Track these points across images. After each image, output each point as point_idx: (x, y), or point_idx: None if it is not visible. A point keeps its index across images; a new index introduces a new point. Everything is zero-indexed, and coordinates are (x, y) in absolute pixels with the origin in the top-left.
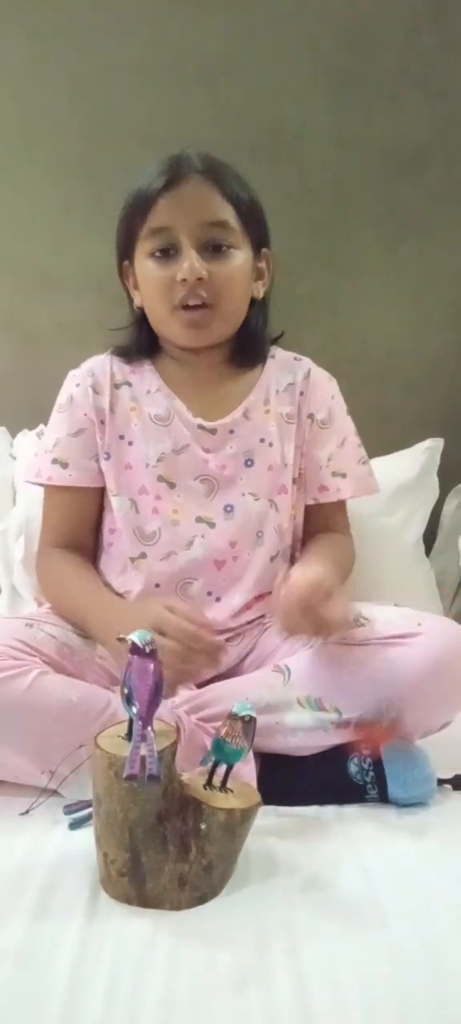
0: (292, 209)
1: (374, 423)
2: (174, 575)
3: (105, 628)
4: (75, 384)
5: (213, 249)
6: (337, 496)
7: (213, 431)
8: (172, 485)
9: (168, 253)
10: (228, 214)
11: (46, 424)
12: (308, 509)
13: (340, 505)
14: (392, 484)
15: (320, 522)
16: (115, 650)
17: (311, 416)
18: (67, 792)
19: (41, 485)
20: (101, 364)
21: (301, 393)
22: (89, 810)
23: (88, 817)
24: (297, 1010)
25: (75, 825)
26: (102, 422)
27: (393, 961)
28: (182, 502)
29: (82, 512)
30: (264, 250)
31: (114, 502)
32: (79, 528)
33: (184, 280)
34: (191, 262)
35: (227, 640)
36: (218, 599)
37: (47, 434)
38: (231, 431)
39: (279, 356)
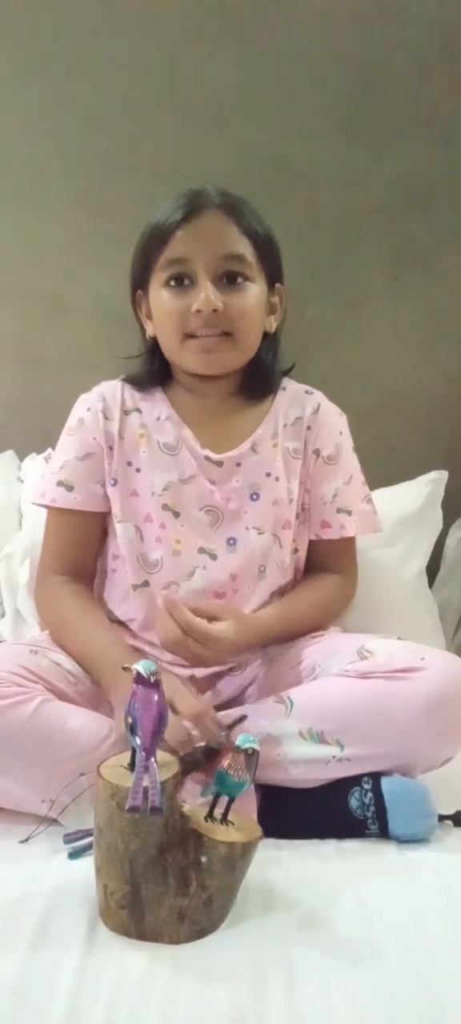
0: (300, 244)
1: (378, 456)
2: None
3: (110, 675)
4: (86, 408)
5: (228, 281)
6: (340, 533)
7: (219, 463)
8: (177, 514)
9: (183, 283)
10: (245, 247)
11: (54, 448)
12: (311, 545)
13: (343, 543)
14: (396, 515)
15: (320, 559)
16: (115, 694)
17: (317, 452)
18: (67, 821)
19: (45, 507)
20: (112, 390)
21: (308, 428)
22: (89, 839)
23: (88, 847)
24: None
25: (74, 855)
26: (111, 448)
27: (389, 1000)
28: (186, 532)
29: (84, 537)
30: (277, 285)
31: (119, 528)
32: (80, 553)
33: (199, 311)
34: (207, 294)
35: (228, 670)
36: None
37: (55, 456)
38: (238, 464)
39: (290, 389)
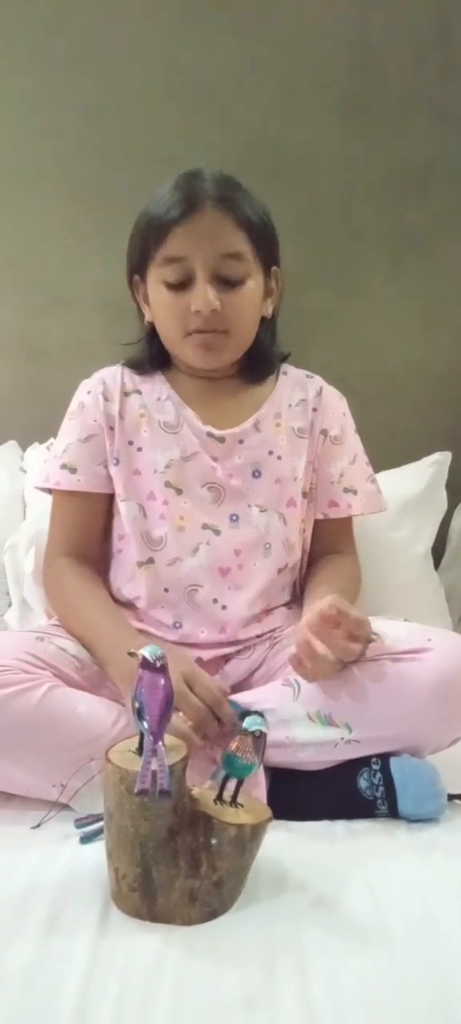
0: (299, 230)
1: (381, 440)
2: (180, 581)
3: (114, 657)
4: (86, 392)
5: (226, 279)
6: (348, 512)
7: (221, 439)
8: (179, 491)
9: (182, 282)
10: (241, 243)
11: (56, 438)
12: (316, 524)
13: (348, 523)
14: (400, 498)
15: (327, 539)
16: (121, 678)
17: (324, 432)
18: (78, 805)
19: (49, 491)
20: (112, 374)
21: (314, 409)
22: (100, 824)
23: (99, 831)
24: None
25: (86, 839)
26: (111, 428)
27: (398, 982)
28: (189, 509)
29: (90, 519)
30: (274, 268)
31: (122, 507)
32: (86, 536)
33: (198, 311)
34: (205, 296)
35: (236, 653)
36: (224, 607)
37: (57, 440)
38: (240, 441)
39: (291, 373)
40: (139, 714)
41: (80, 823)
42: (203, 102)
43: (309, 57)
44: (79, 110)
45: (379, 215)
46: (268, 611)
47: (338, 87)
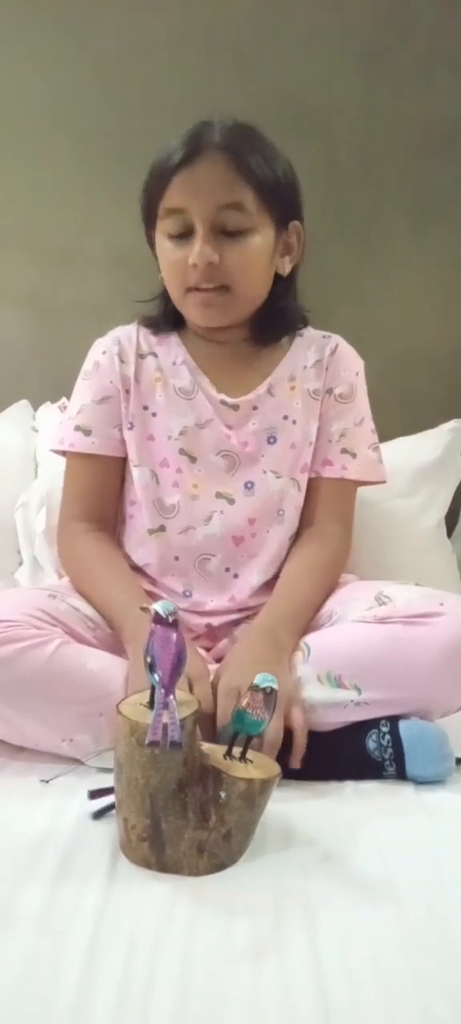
0: (319, 187)
1: (397, 405)
2: (192, 549)
3: (130, 629)
4: (101, 351)
5: (227, 232)
6: (341, 474)
7: (236, 407)
8: (193, 459)
9: (182, 234)
10: (244, 195)
11: (69, 398)
12: (308, 485)
13: (342, 489)
14: (415, 465)
15: (315, 502)
16: (133, 647)
17: (330, 390)
18: (87, 760)
19: (63, 453)
20: (127, 333)
21: (327, 368)
22: (112, 799)
23: (111, 806)
24: (311, 980)
25: (99, 814)
26: (127, 391)
27: (405, 934)
28: (202, 477)
29: (104, 482)
30: (293, 223)
31: (135, 473)
32: (101, 499)
33: (195, 265)
34: (201, 248)
35: (245, 618)
36: (236, 576)
37: (72, 401)
38: (254, 407)
39: (307, 334)
40: (151, 668)
41: (94, 795)
42: (222, 54)
43: (331, 6)
44: (96, 63)
45: (402, 174)
46: (278, 577)
47: (360, 39)
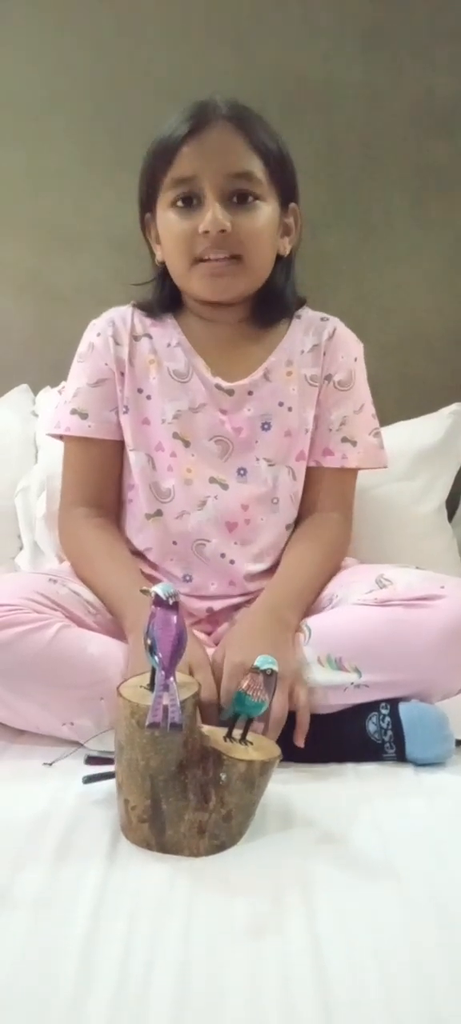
0: (319, 166)
1: (398, 388)
2: (188, 534)
3: (131, 617)
4: (96, 333)
5: (238, 200)
6: (342, 463)
7: (230, 392)
8: (187, 443)
9: (191, 203)
10: (254, 164)
11: (67, 381)
12: (307, 474)
13: (343, 477)
14: (415, 449)
15: (315, 490)
16: (134, 635)
17: (329, 377)
18: (88, 744)
19: (60, 437)
20: (122, 315)
21: (324, 354)
22: (109, 768)
23: (105, 776)
24: (311, 960)
25: (89, 780)
26: (122, 374)
27: (405, 914)
28: (196, 461)
29: (102, 466)
30: (292, 205)
31: (131, 457)
32: (100, 484)
33: (206, 232)
34: (214, 214)
35: (246, 602)
36: (232, 562)
37: (67, 385)
38: (250, 392)
39: (306, 316)
40: (151, 650)
41: (91, 763)
42: (220, 33)
43: None
44: (92, 44)
45: (402, 152)
46: (277, 565)
47: (360, 15)
